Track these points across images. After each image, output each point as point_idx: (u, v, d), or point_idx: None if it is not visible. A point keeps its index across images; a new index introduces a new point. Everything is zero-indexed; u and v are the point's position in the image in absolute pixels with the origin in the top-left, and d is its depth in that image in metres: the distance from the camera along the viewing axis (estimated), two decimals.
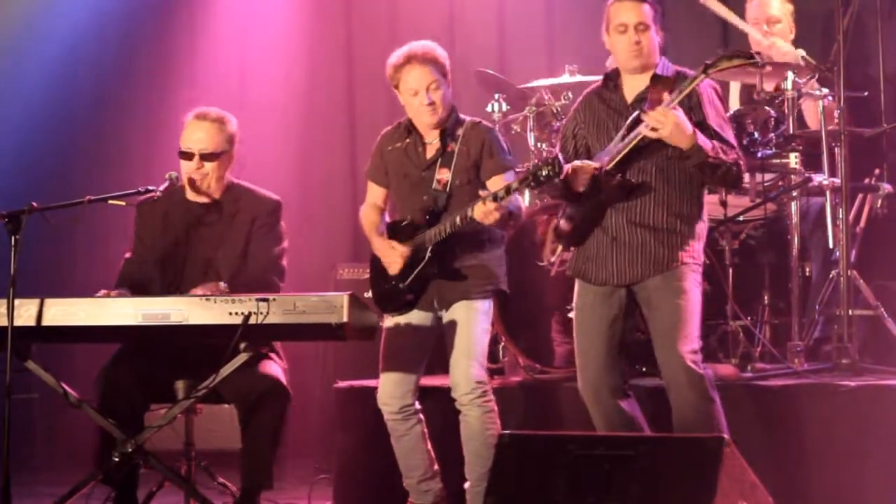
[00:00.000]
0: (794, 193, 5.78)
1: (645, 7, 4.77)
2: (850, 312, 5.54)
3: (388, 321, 5.21)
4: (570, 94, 6.40)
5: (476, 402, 5.02)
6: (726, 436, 4.50)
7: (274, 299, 4.60)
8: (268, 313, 4.56)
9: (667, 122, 4.56)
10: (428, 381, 5.26)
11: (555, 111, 6.45)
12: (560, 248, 5.62)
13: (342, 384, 6.04)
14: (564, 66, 6.59)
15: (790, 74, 5.75)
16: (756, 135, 5.79)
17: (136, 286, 5.19)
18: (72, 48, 8.09)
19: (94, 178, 7.50)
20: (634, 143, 4.68)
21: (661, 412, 4.84)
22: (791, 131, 5.73)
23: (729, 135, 4.78)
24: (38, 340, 4.84)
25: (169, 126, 5.99)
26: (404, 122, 5.26)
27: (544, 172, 4.68)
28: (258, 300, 4.58)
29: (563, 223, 4.91)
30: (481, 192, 4.90)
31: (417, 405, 5.17)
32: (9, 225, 4.69)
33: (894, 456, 4.97)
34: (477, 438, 5.03)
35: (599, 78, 4.99)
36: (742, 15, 6.47)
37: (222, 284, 5.06)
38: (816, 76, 5.92)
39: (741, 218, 5.89)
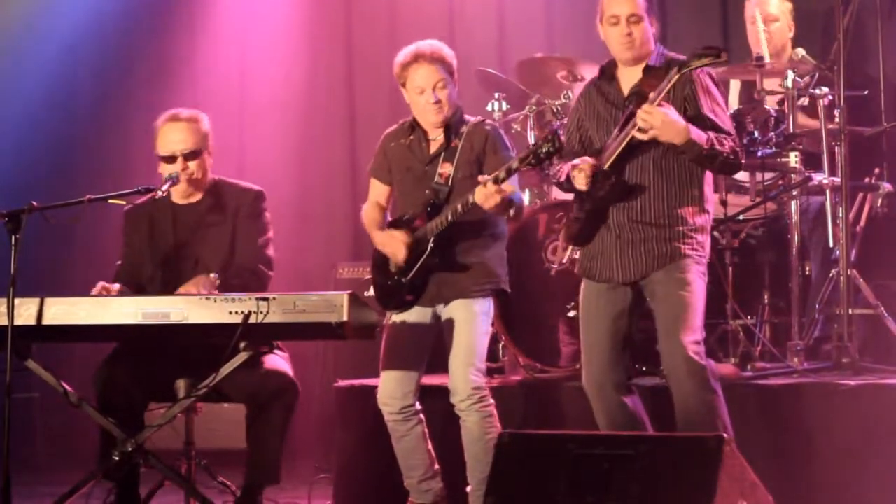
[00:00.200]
0: (794, 192, 5.78)
1: None
2: (850, 311, 5.53)
3: (391, 319, 5.20)
4: (569, 94, 6.40)
5: (474, 408, 5.01)
6: (729, 431, 4.52)
7: (274, 298, 4.59)
8: (268, 312, 4.56)
9: (653, 121, 4.53)
10: (428, 380, 5.25)
11: (554, 110, 6.44)
12: (570, 249, 5.63)
13: (342, 383, 6.03)
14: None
15: (790, 73, 5.76)
16: (756, 133, 5.79)
17: (131, 290, 5.18)
18: (72, 48, 8.10)
19: (94, 178, 7.49)
20: (626, 142, 4.65)
21: (661, 411, 4.84)
22: (791, 130, 5.73)
23: (724, 121, 4.74)
24: (38, 340, 4.85)
25: None
26: (408, 121, 5.27)
27: (545, 149, 4.68)
28: (258, 299, 4.58)
29: (571, 224, 4.90)
30: (481, 178, 4.88)
31: (418, 405, 5.16)
32: (9, 224, 4.69)
33: (894, 455, 4.97)
34: (477, 443, 5.02)
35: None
36: (741, 12, 6.47)
37: (213, 275, 5.06)
38: (816, 75, 5.93)
39: (741, 217, 5.89)
